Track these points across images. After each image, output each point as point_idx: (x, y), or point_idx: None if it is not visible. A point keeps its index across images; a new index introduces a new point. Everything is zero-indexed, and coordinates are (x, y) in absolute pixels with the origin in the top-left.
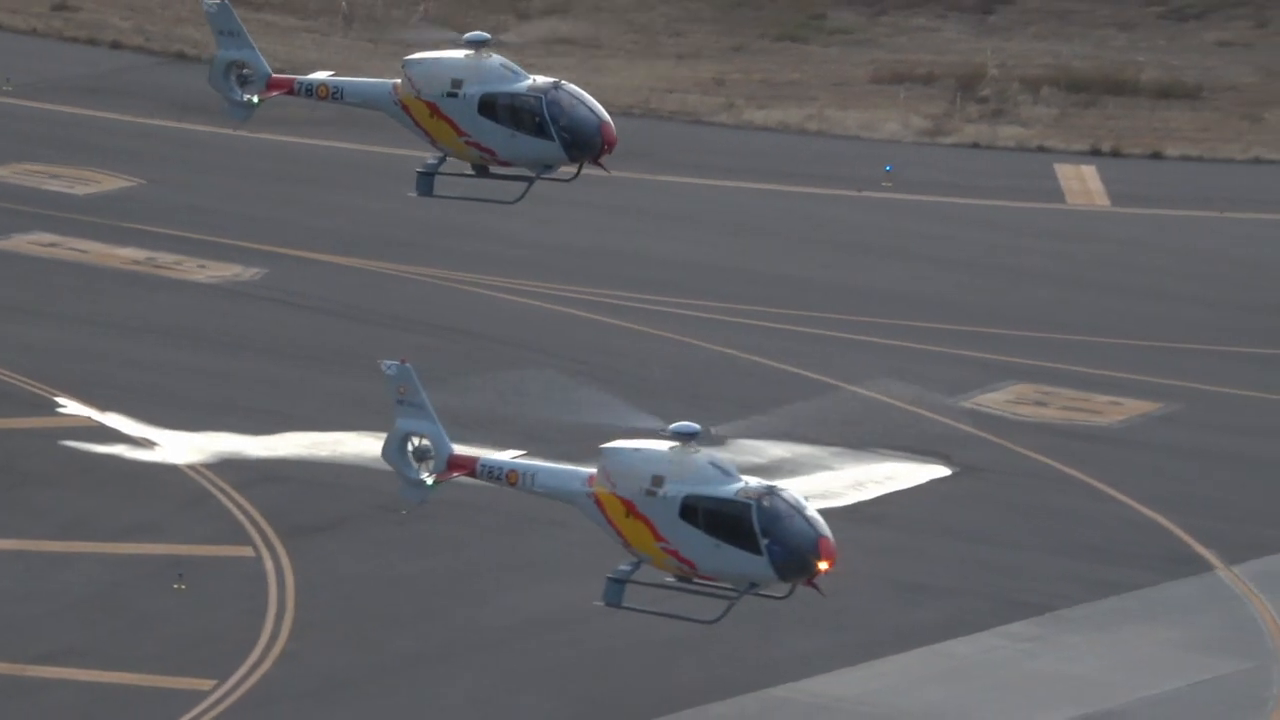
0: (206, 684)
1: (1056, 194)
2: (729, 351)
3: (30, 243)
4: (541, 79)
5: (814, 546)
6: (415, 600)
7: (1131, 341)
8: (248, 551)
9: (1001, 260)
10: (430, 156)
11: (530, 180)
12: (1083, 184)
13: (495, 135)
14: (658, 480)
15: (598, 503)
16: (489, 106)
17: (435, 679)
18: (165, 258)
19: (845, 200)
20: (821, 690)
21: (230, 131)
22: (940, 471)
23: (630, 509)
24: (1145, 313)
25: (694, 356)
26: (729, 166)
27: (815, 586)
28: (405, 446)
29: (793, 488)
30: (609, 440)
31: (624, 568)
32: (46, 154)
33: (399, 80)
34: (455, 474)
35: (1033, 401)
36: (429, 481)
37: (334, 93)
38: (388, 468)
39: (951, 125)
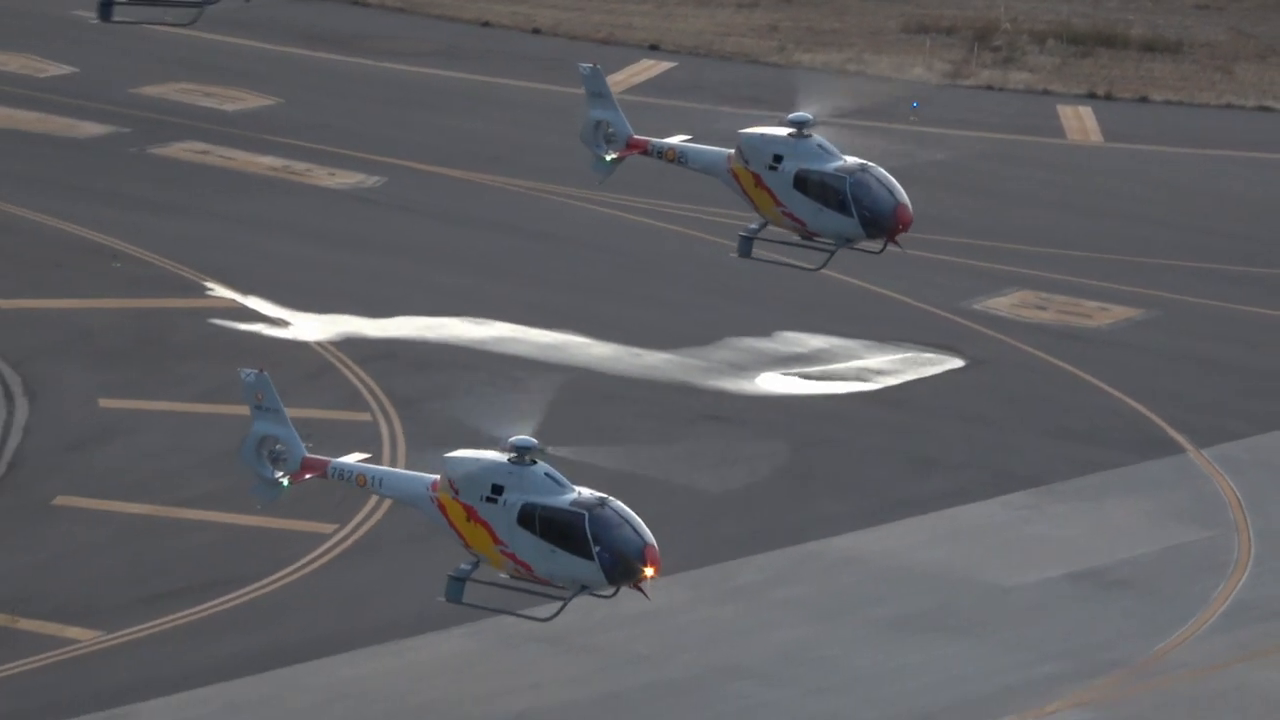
0: (328, 528)
1: (1058, 131)
2: (774, 257)
3: (185, 150)
4: (852, 160)
5: (640, 554)
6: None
7: (1119, 257)
8: (366, 417)
9: (1009, 186)
10: (752, 222)
11: (832, 251)
12: (1080, 123)
13: (805, 208)
14: (497, 489)
15: (440, 507)
16: (802, 182)
17: None
18: (299, 165)
19: (877, 131)
20: (846, 546)
21: (358, 60)
22: (954, 363)
23: (471, 514)
24: (1131, 234)
25: (743, 260)
26: (776, 101)
27: (641, 590)
28: (261, 449)
29: (833, 373)
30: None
31: (464, 567)
32: (201, 75)
33: (733, 151)
34: (308, 475)
35: (1033, 306)
36: (285, 483)
37: (680, 157)
38: (489, 349)
39: (969, 70)
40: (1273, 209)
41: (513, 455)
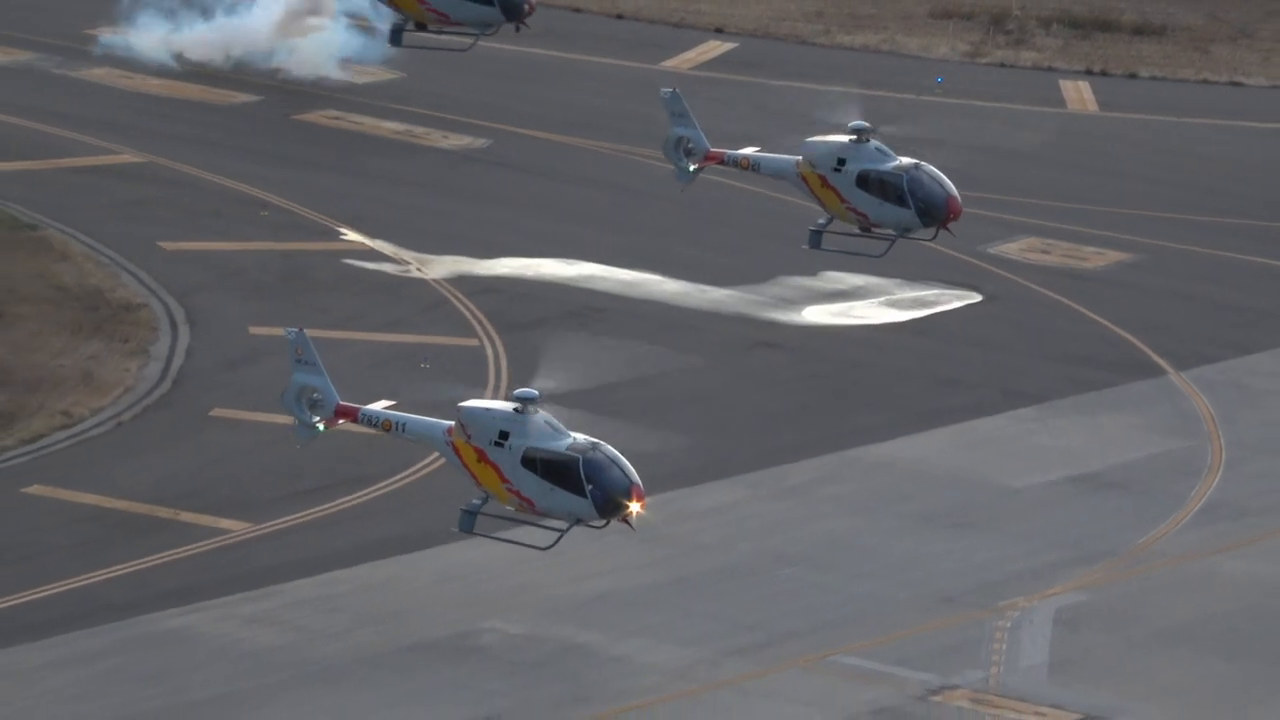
0: None
1: (1060, 101)
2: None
3: (323, 116)
4: (906, 160)
5: (627, 491)
6: (599, 373)
7: (1112, 209)
8: (474, 342)
9: (1019, 148)
10: (820, 218)
11: (892, 240)
12: (1079, 95)
13: (868, 203)
14: (503, 435)
15: (455, 450)
16: (864, 180)
17: (619, 432)
18: (419, 129)
19: (907, 101)
20: (881, 452)
21: (477, 40)
22: (972, 298)
23: (481, 456)
24: (1122, 189)
25: (786, 209)
26: (823, 75)
27: (628, 523)
28: (300, 397)
29: (864, 309)
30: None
31: (475, 502)
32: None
33: (800, 158)
34: (341, 420)
35: (1039, 250)
36: (320, 427)
37: (753, 165)
38: (577, 285)
39: (985, 50)
40: (1243, 168)
41: (518, 405)
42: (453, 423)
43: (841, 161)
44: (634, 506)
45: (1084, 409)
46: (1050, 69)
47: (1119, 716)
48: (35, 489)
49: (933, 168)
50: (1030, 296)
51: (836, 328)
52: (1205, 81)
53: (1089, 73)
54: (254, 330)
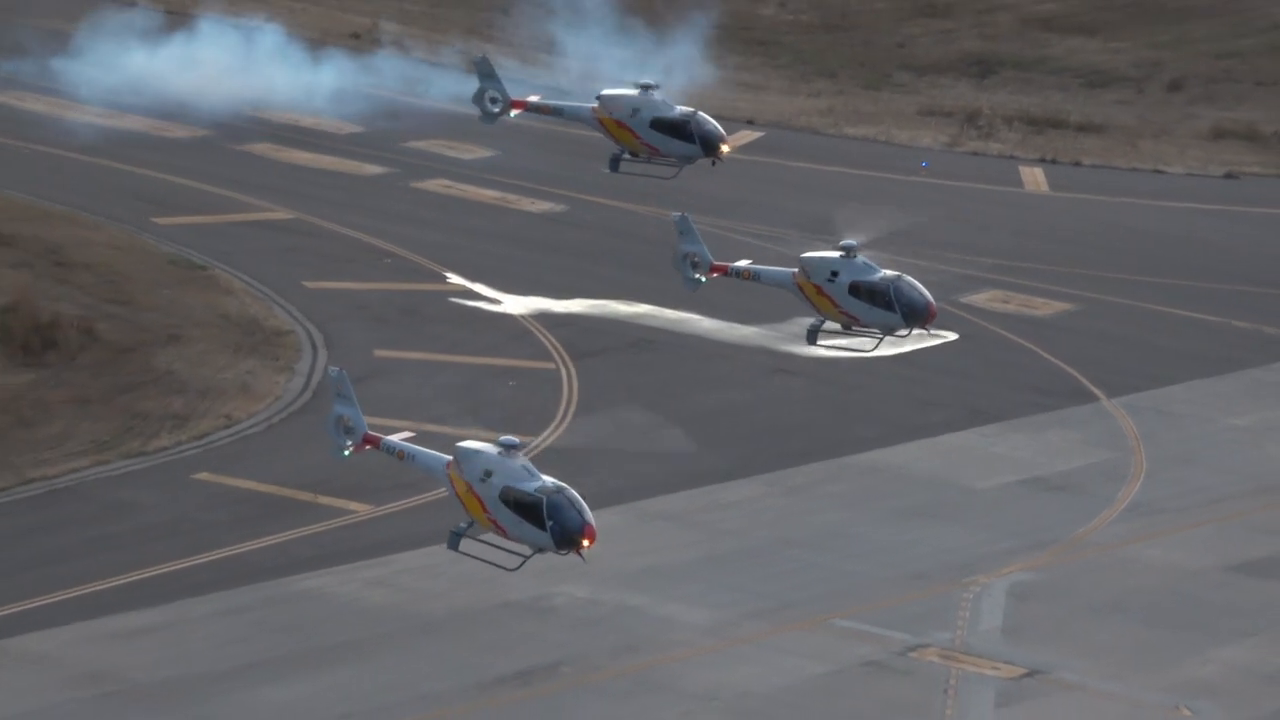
0: (528, 438)
1: (1019, 183)
2: (835, 344)
3: (436, 185)
4: (889, 272)
5: (580, 529)
6: (650, 392)
7: (1059, 268)
8: (551, 366)
9: (987, 219)
10: (815, 318)
11: (880, 338)
12: (1035, 179)
13: (859, 308)
14: (487, 473)
15: (451, 481)
16: (855, 289)
17: (665, 439)
18: (511, 196)
19: (898, 180)
20: (871, 458)
21: (549, 127)
22: (948, 337)
23: (469, 488)
24: (1068, 253)
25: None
26: (832, 159)
27: (580, 555)
28: (338, 423)
29: (860, 345)
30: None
31: (462, 525)
32: (448, 134)
33: (796, 270)
34: (366, 447)
35: (1000, 300)
36: (349, 450)
37: (754, 275)
38: (636, 321)
39: (961, 141)
40: (1163, 238)
41: (501, 450)
42: (451, 458)
43: (834, 273)
44: (585, 542)
45: (1035, 427)
46: (1012, 157)
47: (1058, 671)
48: (202, 475)
49: (911, 278)
50: (993, 337)
51: (839, 359)
52: (1135, 169)
53: (1043, 161)
54: (377, 353)
